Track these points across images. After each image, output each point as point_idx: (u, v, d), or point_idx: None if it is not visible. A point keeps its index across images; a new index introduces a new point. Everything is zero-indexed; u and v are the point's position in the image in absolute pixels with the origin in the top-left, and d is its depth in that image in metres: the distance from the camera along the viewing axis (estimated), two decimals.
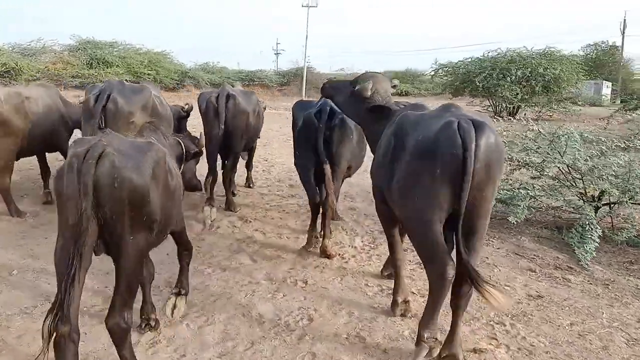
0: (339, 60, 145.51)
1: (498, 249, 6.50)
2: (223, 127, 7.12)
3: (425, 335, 3.77)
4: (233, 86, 8.25)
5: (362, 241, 6.65)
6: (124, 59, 35.52)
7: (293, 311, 4.66)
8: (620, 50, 42.37)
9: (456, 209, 3.48)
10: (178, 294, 4.50)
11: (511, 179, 8.08)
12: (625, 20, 42.13)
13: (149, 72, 36.79)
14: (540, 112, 24.30)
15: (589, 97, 28.77)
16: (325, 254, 6.00)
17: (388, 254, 5.27)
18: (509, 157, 7.79)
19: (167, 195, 3.43)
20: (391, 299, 4.74)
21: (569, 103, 24.27)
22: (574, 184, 7.37)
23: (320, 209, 6.18)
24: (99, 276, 5.01)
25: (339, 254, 6.09)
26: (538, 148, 7.72)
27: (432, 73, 29.93)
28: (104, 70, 33.18)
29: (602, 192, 7.07)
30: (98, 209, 2.95)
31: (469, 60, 26.16)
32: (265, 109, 8.92)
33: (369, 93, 4.90)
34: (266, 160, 12.15)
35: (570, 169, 7.26)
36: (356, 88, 4.97)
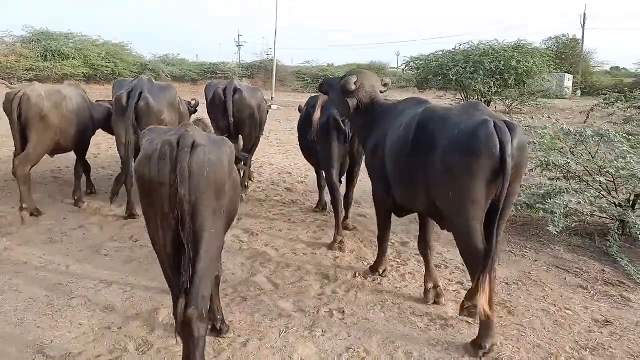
0: (304, 53, 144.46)
1: (536, 261, 5.86)
2: (232, 119, 7.20)
3: (488, 346, 3.83)
4: (241, 80, 8.36)
5: (392, 257, 5.89)
6: (81, 50, 33.91)
7: (342, 354, 3.86)
8: (581, 44, 42.99)
9: (494, 204, 3.67)
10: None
11: (531, 182, 7.51)
12: (585, 14, 42.79)
13: (107, 64, 35.35)
14: (511, 105, 24.09)
15: (552, 89, 28.74)
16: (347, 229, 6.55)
17: (422, 271, 5.06)
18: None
19: (234, 189, 3.53)
20: (444, 330, 4.33)
21: (540, 96, 24.13)
22: (604, 187, 6.79)
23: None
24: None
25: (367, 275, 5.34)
26: (561, 148, 7.13)
27: (403, 66, 29.34)
28: (59, 62, 31.57)
29: (638, 196, 6.55)
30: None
31: (440, 53, 25.72)
32: (270, 107, 8.89)
33: (353, 87, 5.13)
34: (253, 161, 11.24)
35: (601, 170, 6.67)
36: (340, 83, 5.26)
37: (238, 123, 7.35)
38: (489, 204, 3.71)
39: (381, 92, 5.44)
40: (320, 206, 7.70)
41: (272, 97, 27.50)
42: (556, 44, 41.46)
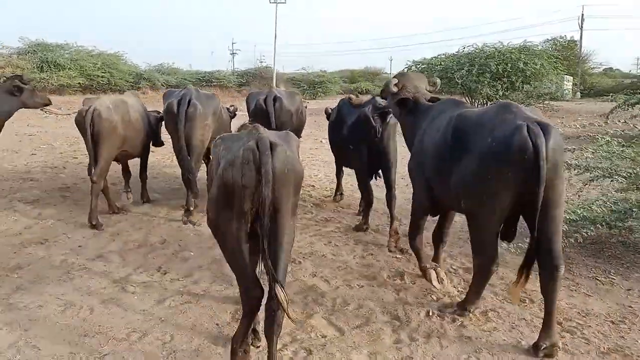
0: (299, 59, 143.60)
1: (629, 290, 4.99)
2: (274, 127, 7.23)
3: (471, 309, 4.41)
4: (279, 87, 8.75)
5: (453, 285, 5.09)
6: (77, 61, 32.96)
7: None
8: (579, 45, 42.58)
9: (531, 207, 3.61)
10: None
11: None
12: (582, 15, 42.32)
13: (103, 74, 34.46)
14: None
15: (552, 91, 28.08)
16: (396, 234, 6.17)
17: (506, 307, 4.64)
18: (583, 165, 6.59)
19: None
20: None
21: (548, 98, 23.48)
22: None
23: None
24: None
25: (438, 313, 4.52)
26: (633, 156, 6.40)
27: (405, 70, 28.62)
28: (55, 73, 30.53)
29: None
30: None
31: (443, 56, 25.02)
32: (306, 107, 9.05)
33: (394, 89, 5.30)
34: None
35: None
36: (383, 85, 5.54)
37: (280, 129, 7.16)
38: (524, 207, 3.75)
39: (430, 92, 5.45)
40: (339, 193, 8.27)
41: None
42: (554, 45, 40.89)
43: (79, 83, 32.08)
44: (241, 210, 3.20)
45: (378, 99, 6.37)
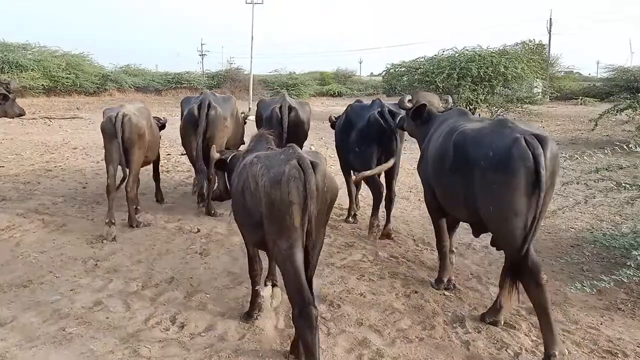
0: (271, 61, 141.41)
1: None
2: (286, 135, 7.24)
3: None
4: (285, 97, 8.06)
5: (530, 340, 4.27)
6: (40, 62, 31.22)
7: None
8: (548, 49, 42.69)
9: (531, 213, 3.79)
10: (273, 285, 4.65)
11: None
12: (551, 19, 42.48)
13: (68, 75, 32.78)
14: (496, 112, 22.99)
15: (529, 95, 27.72)
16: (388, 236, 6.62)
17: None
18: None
19: None
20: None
21: (527, 102, 23.12)
22: None
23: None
24: None
25: None
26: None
27: (384, 73, 27.94)
28: (17, 75, 28.64)
29: None
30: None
31: (422, 59, 24.39)
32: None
33: (408, 104, 5.57)
34: None
35: None
36: (397, 102, 5.80)
37: (291, 137, 7.21)
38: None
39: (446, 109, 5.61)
40: (352, 214, 7.64)
41: (249, 109, 25.53)
42: (523, 49, 40.80)
43: (43, 85, 30.36)
44: (291, 225, 3.35)
45: (383, 100, 6.88)
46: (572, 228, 7.29)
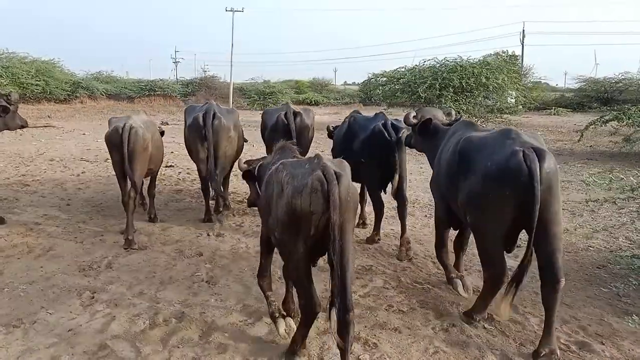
0: (247, 69, 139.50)
1: None
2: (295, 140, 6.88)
3: (477, 318, 4.53)
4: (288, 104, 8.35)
5: None
6: (8, 68, 29.96)
7: None
8: (521, 59, 43.06)
9: (527, 222, 3.90)
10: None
11: None
12: (524, 30, 43.01)
13: (37, 82, 31.67)
14: (476, 122, 22.84)
15: (490, 105, 27.75)
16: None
17: None
18: None
19: None
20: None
21: (507, 113, 23.10)
22: None
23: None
24: None
25: None
26: None
27: (366, 82, 27.64)
28: None
29: None
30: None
31: (403, 69, 24.17)
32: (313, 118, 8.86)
33: (413, 120, 5.68)
34: None
35: None
36: (403, 119, 5.90)
37: (298, 142, 7.05)
38: (522, 224, 4.03)
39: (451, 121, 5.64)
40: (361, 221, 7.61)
41: None
42: (496, 60, 41.04)
43: (11, 90, 29.00)
44: (307, 234, 3.45)
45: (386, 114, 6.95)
46: (590, 247, 6.93)
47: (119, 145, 6.47)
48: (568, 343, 4.33)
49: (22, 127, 7.83)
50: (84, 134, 19.13)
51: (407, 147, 6.37)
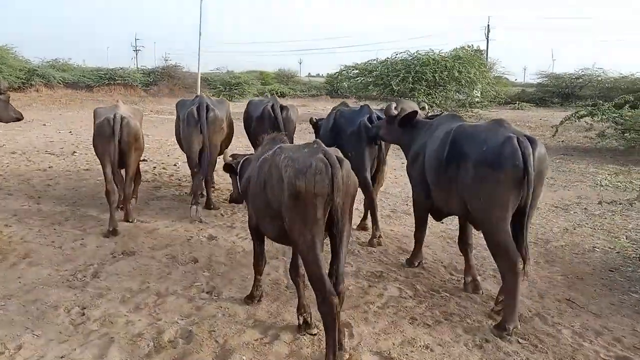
0: (210, 59, 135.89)
1: None
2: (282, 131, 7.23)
3: (509, 327, 4.23)
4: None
5: None
6: None
7: None
8: (485, 54, 43.32)
9: (520, 206, 4.19)
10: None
11: None
12: (489, 25, 43.31)
13: None
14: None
15: (461, 99, 27.82)
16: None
17: None
18: None
19: None
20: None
21: (478, 107, 23.09)
22: None
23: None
24: None
25: None
26: None
27: (337, 75, 27.15)
28: None
29: None
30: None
31: (375, 62, 23.82)
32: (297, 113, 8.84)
33: (394, 112, 5.83)
34: None
35: None
36: (384, 110, 6.06)
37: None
38: (516, 207, 4.20)
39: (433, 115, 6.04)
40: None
41: None
42: (467, 54, 41.12)
43: None
44: (314, 217, 3.43)
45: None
46: (596, 247, 6.72)
47: (110, 136, 6.37)
48: (608, 358, 4.03)
49: (16, 119, 7.62)
50: (44, 125, 18.04)
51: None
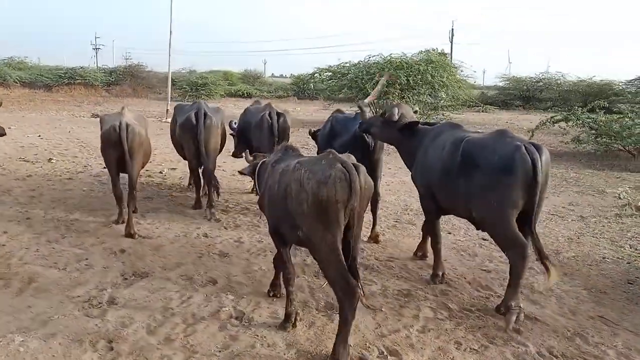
0: (174, 58, 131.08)
1: None
2: (277, 139, 7.83)
3: (513, 304, 4.62)
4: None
5: None
6: None
7: None
8: (450, 57, 43.75)
9: (528, 208, 4.61)
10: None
11: None
12: (453, 29, 43.84)
13: None
14: (419, 119, 22.83)
15: (432, 102, 28.06)
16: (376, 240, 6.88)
17: None
18: None
19: None
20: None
21: (450, 110, 23.25)
22: None
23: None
24: None
25: None
26: None
27: (310, 77, 26.81)
28: None
29: None
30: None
31: (348, 64, 23.67)
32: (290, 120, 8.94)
33: (397, 117, 5.95)
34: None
35: None
36: (386, 114, 6.07)
37: (280, 140, 7.75)
38: (525, 206, 4.62)
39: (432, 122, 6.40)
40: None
41: (167, 110, 23.32)
42: (423, 57, 41.45)
43: None
44: (336, 221, 3.68)
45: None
46: (606, 258, 6.72)
47: (118, 143, 6.56)
48: None
49: (0, 135, 7.82)
50: (9, 128, 17.05)
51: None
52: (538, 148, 4.59)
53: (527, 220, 4.68)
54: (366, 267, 5.97)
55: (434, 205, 5.55)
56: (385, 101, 19.37)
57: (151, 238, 6.63)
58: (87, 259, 5.79)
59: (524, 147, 4.55)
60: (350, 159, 3.99)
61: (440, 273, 5.63)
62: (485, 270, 6.08)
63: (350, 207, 3.68)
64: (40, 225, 6.89)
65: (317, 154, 7.20)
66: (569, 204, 9.63)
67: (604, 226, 8.22)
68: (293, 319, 4.40)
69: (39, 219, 7.17)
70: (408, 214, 8.47)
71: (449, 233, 7.47)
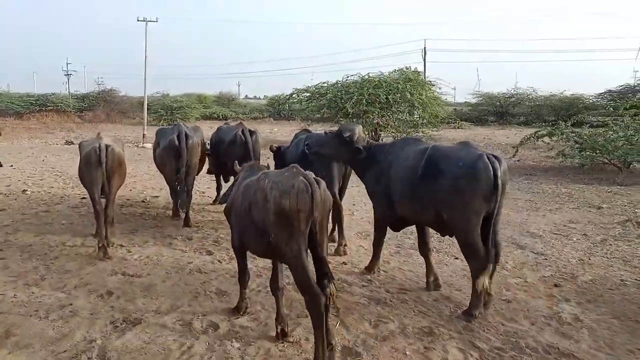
0: (149, 83, 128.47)
1: None
2: (252, 155, 8.45)
3: (475, 313, 4.96)
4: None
5: None
6: None
7: None
8: (423, 76, 43.86)
9: (489, 213, 4.91)
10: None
11: None
12: (425, 48, 44.07)
13: None
14: (397, 136, 22.60)
15: (411, 119, 27.93)
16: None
17: None
18: None
19: None
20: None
21: (429, 127, 23.10)
22: None
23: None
24: None
25: None
26: None
27: (288, 97, 26.44)
28: None
29: None
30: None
31: (326, 85, 23.37)
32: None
33: (356, 137, 6.19)
34: None
35: None
36: (347, 136, 6.17)
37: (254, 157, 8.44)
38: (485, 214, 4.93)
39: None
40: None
41: (143, 135, 22.58)
42: (401, 76, 41.52)
43: None
44: (298, 230, 3.90)
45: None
46: (625, 281, 6.32)
47: (97, 163, 6.74)
48: None
49: None
50: None
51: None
52: (497, 158, 4.94)
53: (488, 225, 4.94)
54: (378, 301, 5.46)
55: (391, 216, 5.83)
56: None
57: (140, 276, 6.00)
58: (71, 304, 5.14)
59: (485, 157, 4.86)
60: (312, 174, 4.20)
61: (375, 269, 6.27)
62: (504, 300, 5.62)
63: (312, 217, 3.89)
64: (17, 266, 6.21)
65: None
66: (569, 222, 9.30)
67: (611, 245, 7.87)
68: (242, 312, 5.00)
69: (15, 258, 6.49)
70: (409, 237, 8.00)
71: (456, 258, 7.01)
